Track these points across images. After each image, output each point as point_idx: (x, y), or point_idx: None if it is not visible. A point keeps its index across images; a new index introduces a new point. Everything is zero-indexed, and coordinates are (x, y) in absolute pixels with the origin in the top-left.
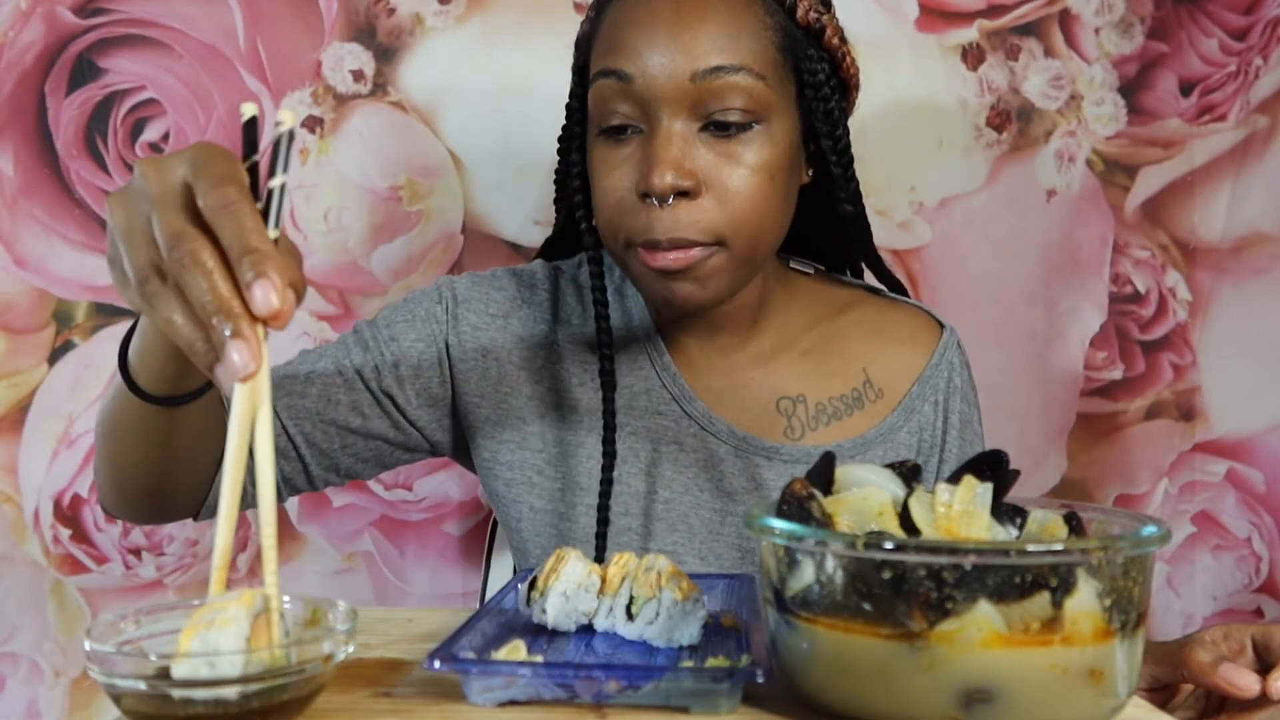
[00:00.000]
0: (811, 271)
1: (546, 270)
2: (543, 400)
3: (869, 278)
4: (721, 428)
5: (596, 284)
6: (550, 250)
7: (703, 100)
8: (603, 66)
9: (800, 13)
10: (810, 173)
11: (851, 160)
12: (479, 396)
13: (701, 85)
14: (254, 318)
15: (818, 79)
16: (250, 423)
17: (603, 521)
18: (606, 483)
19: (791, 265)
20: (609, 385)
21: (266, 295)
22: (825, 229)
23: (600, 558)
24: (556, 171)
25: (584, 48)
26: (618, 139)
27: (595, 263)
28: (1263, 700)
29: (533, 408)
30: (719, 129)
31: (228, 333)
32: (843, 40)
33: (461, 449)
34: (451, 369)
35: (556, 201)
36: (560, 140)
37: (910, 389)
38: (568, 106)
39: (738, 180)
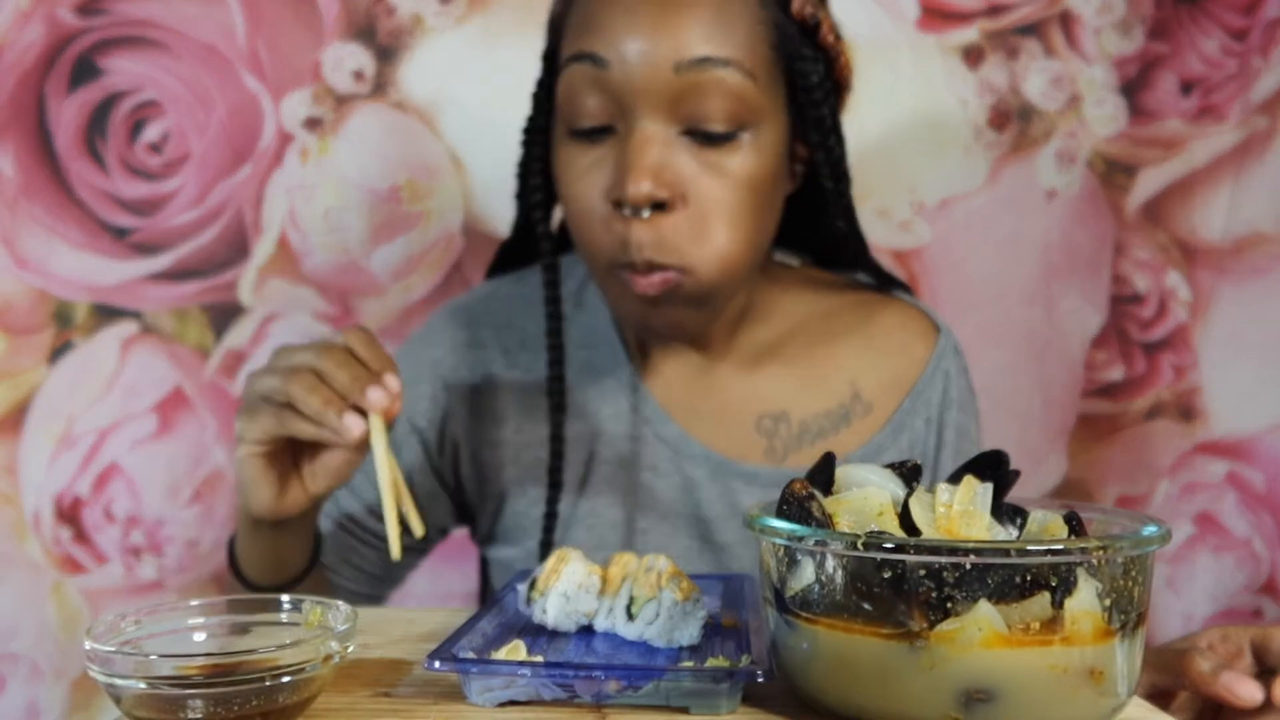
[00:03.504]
0: (796, 263)
1: (480, 304)
2: (517, 445)
3: None
4: (697, 451)
5: (551, 294)
6: (505, 256)
7: (686, 97)
8: (576, 50)
9: (795, 5)
10: (799, 176)
11: (845, 174)
12: (465, 480)
13: (685, 78)
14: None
15: (810, 81)
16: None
17: (546, 544)
18: (550, 515)
19: (775, 258)
20: (558, 406)
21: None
22: (815, 245)
23: None
24: (519, 165)
25: (556, 29)
26: (589, 140)
27: (550, 270)
28: (1265, 706)
29: (508, 455)
30: (703, 138)
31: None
32: (838, 38)
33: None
34: (439, 470)
35: (517, 197)
36: (524, 133)
37: (900, 404)
38: (534, 96)
39: (719, 193)
